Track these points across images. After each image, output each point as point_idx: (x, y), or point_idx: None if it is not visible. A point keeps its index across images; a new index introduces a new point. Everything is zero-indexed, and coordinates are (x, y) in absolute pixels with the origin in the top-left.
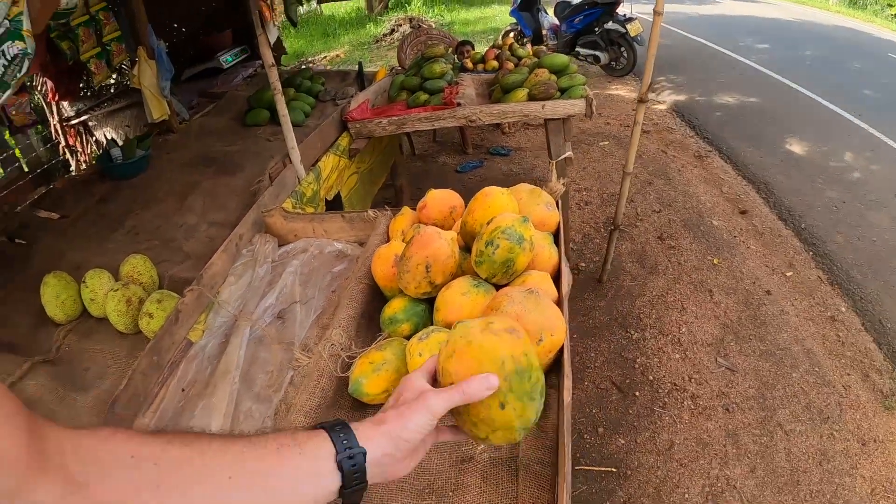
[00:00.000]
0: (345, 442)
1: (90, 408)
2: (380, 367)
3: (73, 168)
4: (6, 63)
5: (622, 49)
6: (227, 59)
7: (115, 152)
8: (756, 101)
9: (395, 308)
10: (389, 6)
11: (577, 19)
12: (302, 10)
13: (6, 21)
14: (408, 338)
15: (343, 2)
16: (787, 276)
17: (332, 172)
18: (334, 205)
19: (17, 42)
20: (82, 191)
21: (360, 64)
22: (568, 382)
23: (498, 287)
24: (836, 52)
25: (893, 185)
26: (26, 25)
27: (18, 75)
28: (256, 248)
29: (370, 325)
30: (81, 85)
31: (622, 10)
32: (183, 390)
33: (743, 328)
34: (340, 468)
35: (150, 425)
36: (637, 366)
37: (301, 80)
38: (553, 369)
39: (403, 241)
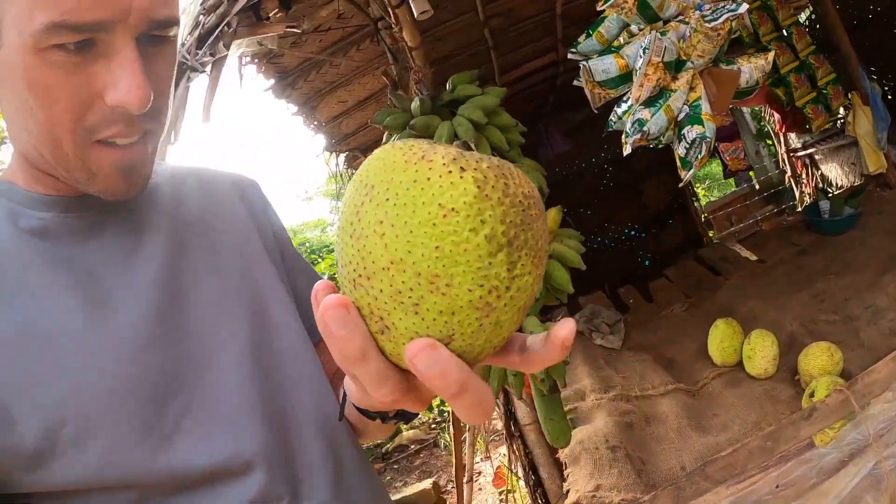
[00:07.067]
0: None
1: (698, 449)
2: None
3: (796, 197)
4: (687, 146)
5: None
6: None
7: (824, 205)
8: None
9: None
10: None
11: None
12: None
13: (686, 106)
14: None
15: None
16: None
17: None
18: None
19: (695, 126)
20: (785, 237)
21: None
22: None
23: None
24: None
25: None
26: (705, 109)
27: (699, 156)
28: None
29: None
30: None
31: None
32: (777, 486)
33: None
34: None
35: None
36: None
37: None
38: None
39: None
